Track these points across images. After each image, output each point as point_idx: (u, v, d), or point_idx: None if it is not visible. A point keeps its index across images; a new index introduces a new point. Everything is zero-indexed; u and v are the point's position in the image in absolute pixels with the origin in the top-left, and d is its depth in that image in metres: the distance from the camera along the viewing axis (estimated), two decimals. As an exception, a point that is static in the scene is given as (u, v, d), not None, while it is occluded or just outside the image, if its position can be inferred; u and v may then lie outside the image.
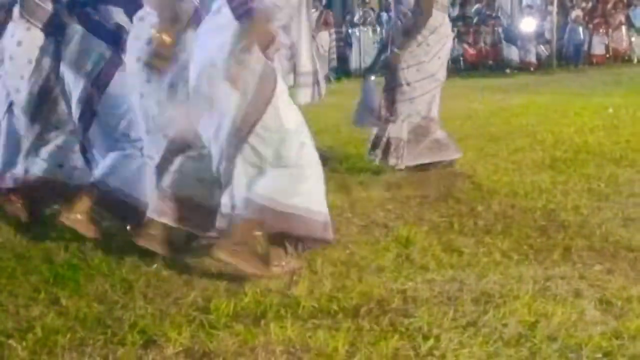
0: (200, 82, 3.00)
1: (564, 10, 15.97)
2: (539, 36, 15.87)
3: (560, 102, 9.05)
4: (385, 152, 5.14)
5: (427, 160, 5.15)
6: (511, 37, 15.81)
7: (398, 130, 5.10)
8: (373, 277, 3.02)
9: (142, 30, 3.26)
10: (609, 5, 15.57)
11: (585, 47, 15.71)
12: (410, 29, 5.03)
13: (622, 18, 15.43)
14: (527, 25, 15.70)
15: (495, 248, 3.40)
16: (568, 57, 15.81)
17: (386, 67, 5.23)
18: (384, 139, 5.13)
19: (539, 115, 7.98)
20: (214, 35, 2.99)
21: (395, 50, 5.09)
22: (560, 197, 4.30)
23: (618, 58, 15.30)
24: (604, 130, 6.51)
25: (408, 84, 5.09)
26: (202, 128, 3.08)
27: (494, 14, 16.58)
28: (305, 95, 3.28)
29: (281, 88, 3.01)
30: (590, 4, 15.99)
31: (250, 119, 2.93)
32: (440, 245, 3.48)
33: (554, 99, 9.43)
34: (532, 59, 15.64)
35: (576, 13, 15.85)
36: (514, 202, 4.24)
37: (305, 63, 3.25)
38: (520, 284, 2.87)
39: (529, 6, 16.22)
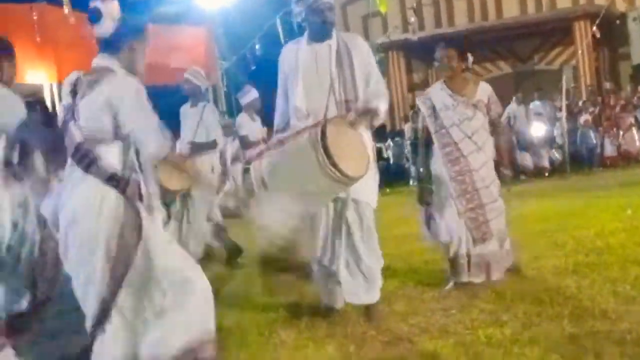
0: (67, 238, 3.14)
1: (571, 116, 16.24)
2: (551, 141, 16.08)
3: (578, 205, 9.03)
4: (487, 270, 5.03)
5: (503, 270, 5.11)
6: (524, 144, 16.03)
7: (493, 245, 5.06)
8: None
9: None
10: (617, 109, 15.83)
11: (598, 150, 15.86)
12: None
13: (632, 120, 15.64)
14: (537, 130, 15.94)
15: (524, 358, 3.31)
16: (581, 161, 15.93)
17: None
18: (484, 258, 5.03)
19: (558, 219, 7.95)
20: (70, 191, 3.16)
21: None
22: (586, 302, 4.22)
23: (631, 159, 15.39)
24: (625, 232, 6.46)
25: (495, 201, 5.10)
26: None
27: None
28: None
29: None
30: (597, 108, 16.26)
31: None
32: (467, 358, 3.40)
33: (571, 203, 9.41)
34: (546, 164, 15.77)
35: (584, 117, 16.09)
36: (540, 310, 4.16)
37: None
38: (554, 395, 2.78)
39: (538, 113, 16.51)
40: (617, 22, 17.90)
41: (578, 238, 6.44)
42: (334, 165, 3.68)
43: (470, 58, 5.18)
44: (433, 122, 5.18)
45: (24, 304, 3.64)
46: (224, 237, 7.18)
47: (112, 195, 3.09)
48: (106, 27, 3.14)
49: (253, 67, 15.55)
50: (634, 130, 15.59)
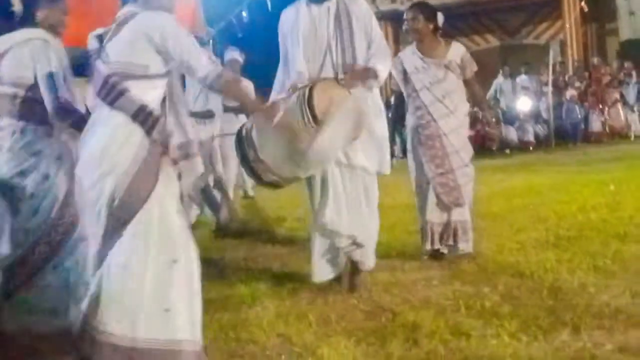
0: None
1: (558, 91, 16.28)
2: (537, 116, 16.13)
3: (561, 180, 9.10)
4: (455, 239, 5.02)
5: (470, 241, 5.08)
6: (509, 119, 16.07)
7: (463, 212, 5.03)
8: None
9: None
10: (603, 84, 15.87)
11: (583, 125, 15.94)
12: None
13: (617, 95, 15.71)
14: (524, 104, 15.98)
15: (503, 330, 3.35)
16: (566, 136, 16.01)
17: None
18: (452, 225, 5.01)
19: (541, 194, 8.01)
20: (93, 132, 3.00)
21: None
22: (566, 276, 4.27)
23: (615, 135, 15.49)
24: (607, 207, 6.52)
25: (466, 166, 5.08)
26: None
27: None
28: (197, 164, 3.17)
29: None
30: (584, 84, 16.30)
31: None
32: (447, 328, 3.43)
33: (554, 178, 9.48)
34: (531, 138, 15.85)
35: (570, 93, 16.13)
36: (520, 282, 4.21)
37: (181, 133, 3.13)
38: (531, 366, 2.83)
39: (525, 87, 16.54)
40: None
41: (560, 212, 6.50)
42: (319, 124, 3.59)
43: (441, 19, 5.09)
44: (404, 86, 5.18)
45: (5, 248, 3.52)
46: (220, 205, 7.10)
47: (137, 134, 2.91)
48: None
49: (240, 35, 15.39)
50: (619, 105, 15.67)
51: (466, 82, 5.13)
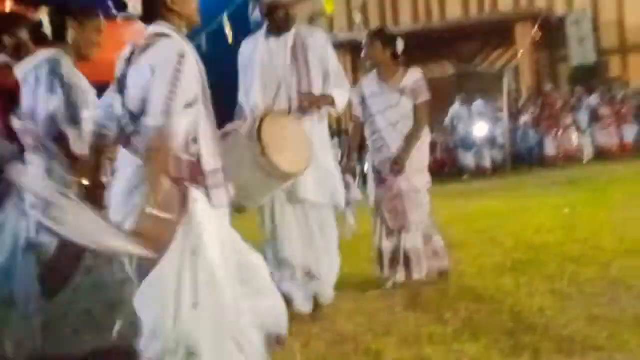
0: None
1: (513, 116, 16.63)
2: (493, 141, 16.42)
3: (518, 204, 9.26)
4: (407, 267, 5.00)
5: (429, 270, 5.05)
6: (466, 144, 16.33)
7: (413, 239, 5.00)
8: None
9: None
10: (556, 109, 16.25)
11: (537, 149, 16.27)
12: (411, 136, 5.02)
13: (570, 120, 16.08)
14: (480, 130, 16.26)
15: (464, 355, 3.40)
16: (522, 160, 16.31)
17: (391, 172, 5.05)
18: (401, 252, 5.01)
19: (498, 218, 8.14)
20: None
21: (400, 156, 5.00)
22: (525, 299, 4.34)
23: (569, 159, 15.83)
24: (562, 230, 6.66)
25: (417, 191, 5.06)
26: None
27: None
28: (218, 196, 2.68)
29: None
30: (537, 109, 16.66)
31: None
32: (410, 356, 3.47)
33: (510, 202, 9.65)
34: (487, 164, 16.11)
35: (525, 118, 16.49)
36: (480, 307, 4.27)
37: (209, 160, 2.67)
38: (493, 390, 2.86)
39: (481, 113, 16.84)
40: (556, 25, 18.36)
41: (517, 236, 6.61)
42: (266, 156, 3.56)
43: (400, 46, 5.14)
44: (363, 111, 5.26)
45: None
46: None
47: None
48: None
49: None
50: (572, 130, 16.04)
51: (415, 107, 5.11)
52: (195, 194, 2.59)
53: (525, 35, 17.90)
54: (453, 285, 4.92)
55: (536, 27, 16.82)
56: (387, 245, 5.09)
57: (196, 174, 2.62)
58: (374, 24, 20.67)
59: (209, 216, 2.62)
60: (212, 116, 2.74)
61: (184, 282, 2.52)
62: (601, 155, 15.71)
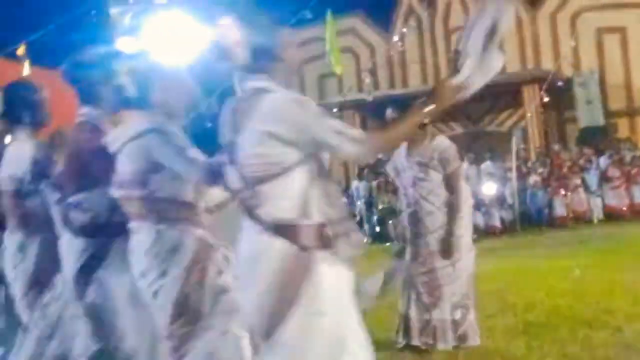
0: None
1: (521, 176, 16.65)
2: (502, 201, 16.40)
3: (528, 265, 9.18)
4: (434, 337, 4.88)
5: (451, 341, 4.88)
6: (475, 204, 16.29)
7: (442, 312, 4.89)
8: None
9: None
10: (565, 170, 16.27)
11: (547, 209, 16.23)
12: (452, 207, 4.90)
13: (579, 181, 16.08)
14: (489, 190, 16.26)
15: (476, 421, 3.33)
16: (531, 220, 16.25)
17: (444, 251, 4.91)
18: (432, 324, 4.89)
19: (508, 279, 8.06)
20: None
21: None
22: (536, 364, 4.28)
23: (579, 219, 15.76)
24: (573, 293, 6.59)
25: (453, 265, 4.95)
26: None
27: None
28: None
29: None
30: (546, 169, 16.69)
31: None
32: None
33: (521, 263, 9.56)
34: (497, 223, 16.05)
35: (534, 178, 16.50)
36: (491, 371, 4.20)
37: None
38: None
39: (489, 173, 16.87)
40: (564, 87, 18.54)
41: (528, 298, 6.54)
42: None
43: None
44: (399, 181, 5.28)
45: None
46: None
47: (276, 245, 2.36)
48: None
49: (210, 124, 15.52)
50: (581, 190, 16.03)
51: (446, 177, 4.99)
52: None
53: (533, 97, 18.09)
54: (463, 346, 4.85)
55: (544, 88, 16.98)
56: (418, 315, 4.95)
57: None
58: (383, 84, 21.00)
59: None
60: None
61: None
62: (612, 215, 15.65)
